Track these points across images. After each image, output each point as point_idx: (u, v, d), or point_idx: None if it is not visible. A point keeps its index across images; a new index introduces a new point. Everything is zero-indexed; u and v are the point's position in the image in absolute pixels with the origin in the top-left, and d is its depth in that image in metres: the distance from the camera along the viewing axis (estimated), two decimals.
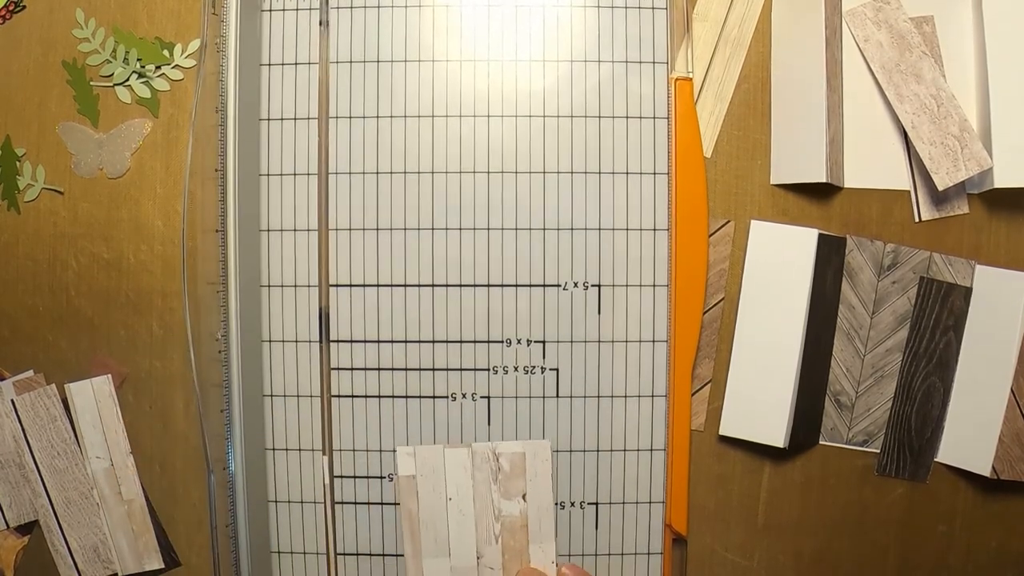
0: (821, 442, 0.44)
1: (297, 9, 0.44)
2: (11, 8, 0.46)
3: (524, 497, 0.41)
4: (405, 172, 0.44)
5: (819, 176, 0.41)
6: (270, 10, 0.44)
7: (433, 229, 0.44)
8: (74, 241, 0.46)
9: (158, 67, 0.45)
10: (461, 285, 0.44)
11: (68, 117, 0.46)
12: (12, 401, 0.46)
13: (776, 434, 0.42)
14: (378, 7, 0.44)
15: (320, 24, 0.44)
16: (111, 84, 0.45)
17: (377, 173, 0.44)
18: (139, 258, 0.45)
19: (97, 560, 0.46)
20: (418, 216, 0.44)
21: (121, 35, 0.45)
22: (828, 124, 0.41)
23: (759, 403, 0.43)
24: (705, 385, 0.44)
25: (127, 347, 0.46)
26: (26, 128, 0.46)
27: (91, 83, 0.45)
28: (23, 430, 0.46)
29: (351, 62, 0.44)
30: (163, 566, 0.46)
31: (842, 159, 0.43)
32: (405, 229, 0.44)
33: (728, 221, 0.44)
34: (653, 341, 0.43)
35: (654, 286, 0.43)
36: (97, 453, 0.46)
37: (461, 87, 0.43)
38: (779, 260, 0.43)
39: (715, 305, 0.44)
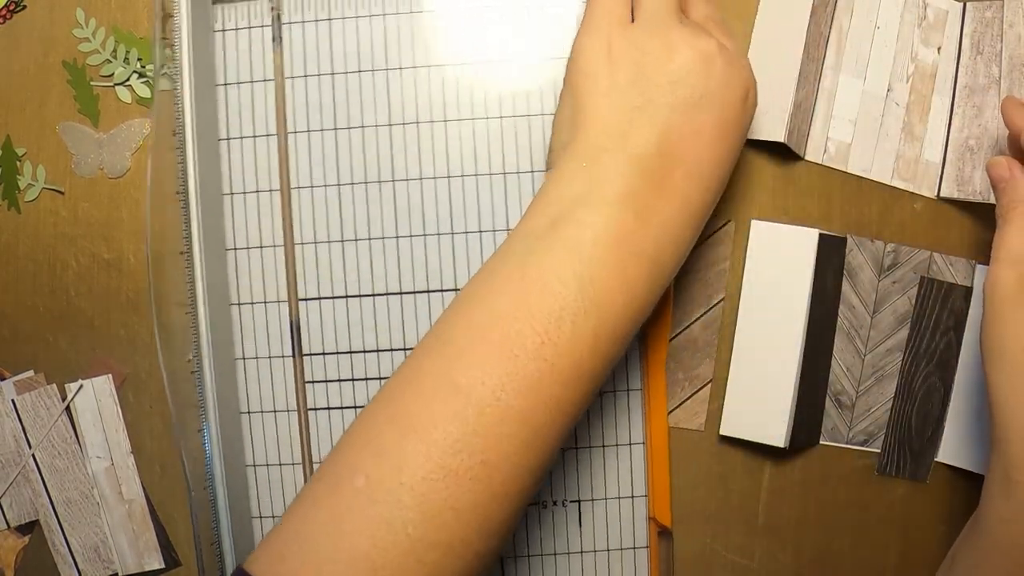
0: (821, 442, 0.44)
1: (250, 27, 0.44)
2: (11, 8, 0.46)
3: (939, 50, 0.41)
4: (366, 182, 0.44)
5: (777, 135, 0.41)
6: (223, 30, 0.44)
7: (398, 237, 0.44)
8: (74, 241, 0.46)
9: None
10: (429, 291, 0.44)
11: (68, 117, 0.46)
12: (12, 401, 0.46)
13: (776, 434, 0.42)
14: (329, 20, 0.44)
15: (273, 40, 0.44)
16: (111, 84, 0.45)
17: (339, 185, 0.44)
18: (139, 258, 0.45)
19: (98, 560, 0.46)
20: (382, 225, 0.44)
21: (121, 35, 0.45)
22: (797, 88, 0.41)
23: (759, 403, 0.43)
24: (705, 385, 0.44)
25: (127, 347, 0.46)
26: (26, 128, 0.46)
27: (91, 83, 0.45)
28: (23, 430, 0.46)
29: (306, 76, 0.44)
30: (163, 566, 0.46)
31: (808, 129, 0.43)
32: (370, 239, 0.44)
33: (728, 221, 0.44)
34: None
35: None
36: (98, 453, 0.46)
37: (416, 93, 0.44)
38: (779, 260, 0.43)
39: (715, 305, 0.44)
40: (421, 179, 0.44)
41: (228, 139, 0.44)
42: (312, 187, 0.44)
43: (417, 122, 0.44)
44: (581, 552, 0.44)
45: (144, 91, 0.45)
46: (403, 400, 0.32)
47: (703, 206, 0.36)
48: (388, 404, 0.33)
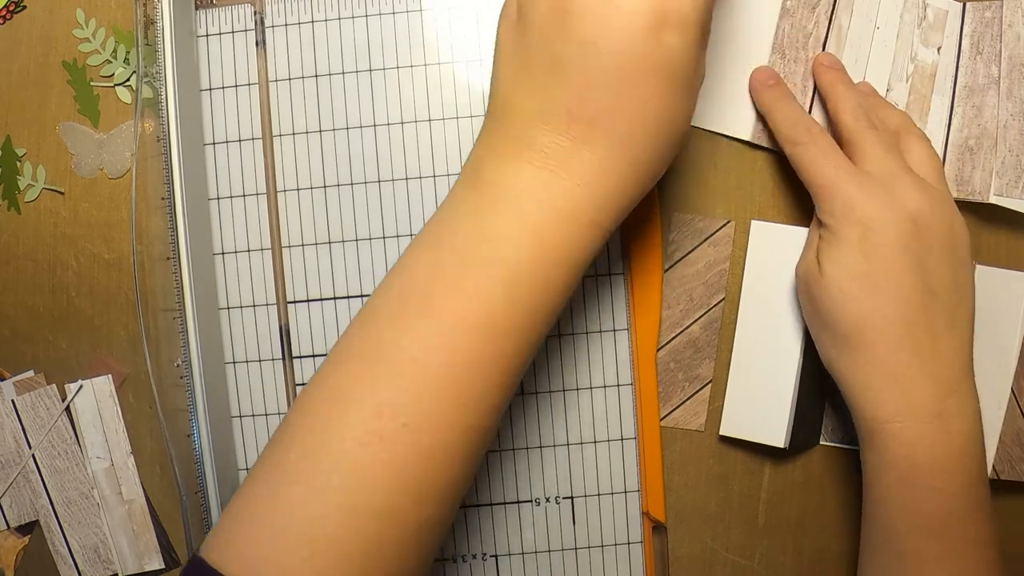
0: (821, 442, 0.44)
1: (233, 32, 0.44)
2: (11, 8, 0.46)
3: (939, 50, 0.42)
4: (352, 183, 0.44)
5: (743, 133, 0.41)
6: (206, 35, 0.44)
7: (384, 238, 0.44)
8: (74, 241, 0.46)
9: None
10: None
11: (68, 117, 0.46)
12: (12, 401, 0.46)
13: (776, 434, 0.42)
14: (312, 22, 0.44)
15: (256, 45, 0.44)
16: (111, 84, 0.45)
17: (325, 187, 0.44)
18: (139, 258, 0.45)
19: (98, 560, 0.46)
20: (368, 226, 0.44)
21: (121, 35, 0.45)
22: None
23: (759, 403, 0.43)
24: (705, 385, 0.44)
25: (127, 347, 0.46)
26: (26, 128, 0.46)
27: (91, 83, 0.45)
28: (23, 430, 0.46)
29: (290, 79, 0.44)
30: (164, 566, 0.46)
31: None
32: (357, 240, 0.44)
33: (728, 221, 0.44)
34: (614, 330, 0.44)
35: (609, 275, 0.43)
36: (97, 453, 0.46)
37: (400, 93, 0.44)
38: (779, 260, 0.43)
39: (715, 305, 0.44)
40: (407, 179, 0.44)
41: (213, 144, 0.44)
42: (298, 190, 0.44)
43: (402, 122, 0.44)
44: (575, 548, 0.44)
45: (145, 91, 0.45)
46: (334, 374, 0.33)
47: (635, 162, 0.33)
48: (320, 380, 0.33)
